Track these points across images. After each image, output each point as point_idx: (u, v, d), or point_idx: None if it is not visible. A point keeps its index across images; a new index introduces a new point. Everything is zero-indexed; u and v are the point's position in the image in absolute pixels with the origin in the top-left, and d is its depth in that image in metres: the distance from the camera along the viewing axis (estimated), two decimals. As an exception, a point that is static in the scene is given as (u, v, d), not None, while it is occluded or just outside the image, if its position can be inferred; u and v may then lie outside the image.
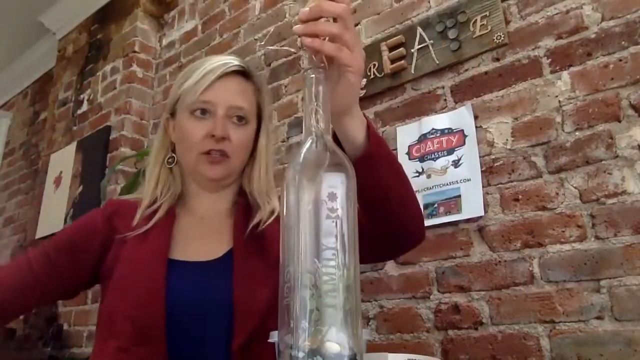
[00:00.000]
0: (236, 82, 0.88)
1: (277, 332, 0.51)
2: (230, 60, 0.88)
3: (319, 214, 0.50)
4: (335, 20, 0.59)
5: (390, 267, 1.49)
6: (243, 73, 0.89)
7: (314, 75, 0.58)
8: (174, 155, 0.92)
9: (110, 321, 0.78)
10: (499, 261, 1.30)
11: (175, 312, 0.76)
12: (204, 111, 0.86)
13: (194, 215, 0.90)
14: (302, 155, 0.55)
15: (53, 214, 2.61)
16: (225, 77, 0.86)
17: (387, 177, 0.72)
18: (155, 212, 0.87)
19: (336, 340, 0.47)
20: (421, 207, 0.83)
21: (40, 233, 2.67)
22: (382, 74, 1.62)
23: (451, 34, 1.50)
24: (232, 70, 0.87)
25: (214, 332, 0.77)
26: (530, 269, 1.24)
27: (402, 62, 1.60)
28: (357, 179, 0.71)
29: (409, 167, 1.50)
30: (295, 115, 1.90)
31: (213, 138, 0.84)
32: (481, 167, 1.38)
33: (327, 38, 0.59)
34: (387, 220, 0.75)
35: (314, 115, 0.56)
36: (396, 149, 1.55)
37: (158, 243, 0.83)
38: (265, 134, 0.93)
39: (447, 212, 1.40)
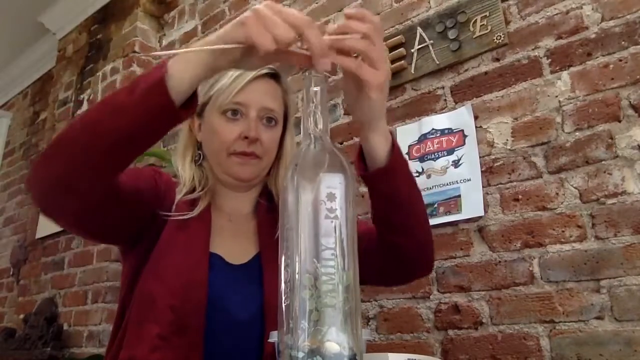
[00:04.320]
0: (267, 84, 0.90)
1: (277, 332, 0.51)
2: None
3: (318, 214, 0.50)
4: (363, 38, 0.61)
5: (390, 267, 1.49)
6: (272, 75, 0.91)
7: (313, 77, 0.58)
8: (199, 153, 0.93)
9: (150, 305, 0.78)
10: (499, 261, 1.30)
11: (213, 307, 0.78)
12: (235, 112, 0.87)
13: (223, 213, 0.92)
14: (301, 156, 0.55)
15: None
16: (257, 80, 0.88)
17: (402, 190, 0.75)
18: (194, 201, 0.87)
19: (336, 340, 0.47)
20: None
21: (40, 233, 2.67)
22: (382, 74, 1.62)
23: (451, 34, 1.50)
24: (263, 73, 0.89)
25: (247, 337, 0.80)
26: (530, 269, 1.24)
27: (402, 62, 1.60)
28: (374, 187, 0.75)
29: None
30: (296, 115, 1.90)
31: (245, 140, 0.86)
32: (481, 167, 1.38)
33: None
34: (398, 234, 0.78)
35: (312, 117, 0.57)
36: (396, 149, 1.55)
37: (200, 235, 0.84)
38: (290, 134, 0.96)
39: (447, 212, 1.40)
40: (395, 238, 0.79)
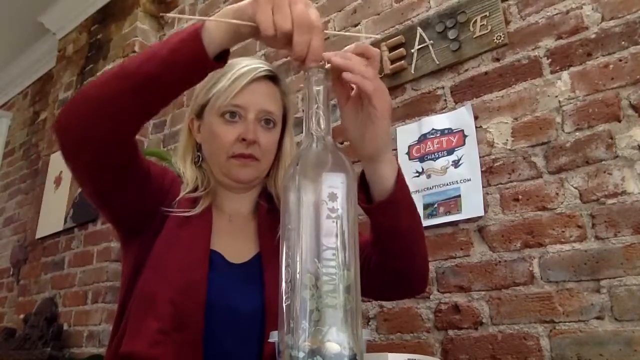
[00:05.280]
0: (266, 86, 0.90)
1: (277, 332, 0.51)
2: (259, 65, 0.90)
3: (320, 214, 0.50)
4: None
5: (390, 267, 1.49)
6: (271, 77, 0.91)
7: (315, 76, 0.58)
8: (199, 154, 0.94)
9: (151, 300, 0.78)
10: (499, 261, 1.30)
11: (213, 305, 0.78)
12: (233, 114, 0.87)
13: (224, 213, 0.92)
14: (303, 155, 0.55)
15: (53, 214, 2.60)
16: (256, 82, 0.88)
17: (403, 221, 0.77)
18: (196, 199, 0.88)
19: (336, 341, 0.47)
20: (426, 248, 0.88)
21: (40, 233, 2.67)
22: (382, 74, 1.62)
23: (451, 34, 1.50)
24: (261, 75, 0.89)
25: (247, 336, 0.80)
26: (530, 269, 1.24)
27: (402, 62, 1.60)
28: (376, 218, 0.76)
29: (409, 167, 1.50)
30: (296, 116, 1.90)
31: (244, 142, 0.86)
32: (481, 167, 1.38)
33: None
34: (397, 260, 0.80)
35: (314, 117, 0.57)
36: (396, 149, 1.55)
37: (201, 233, 0.85)
38: (289, 136, 0.96)
39: (447, 212, 1.40)
40: (395, 264, 0.80)
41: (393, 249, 0.79)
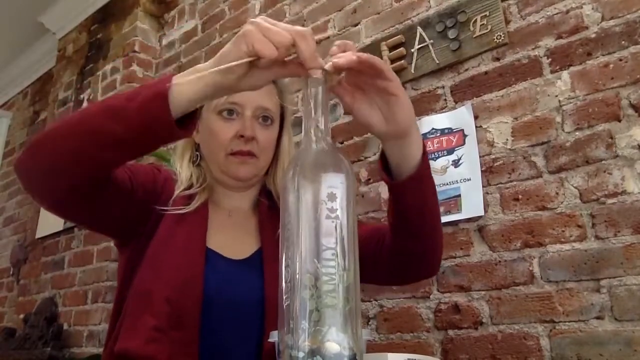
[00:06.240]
0: None
1: (277, 332, 0.51)
2: None
3: (319, 214, 0.50)
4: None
5: (390, 267, 1.49)
6: None
7: (312, 78, 0.58)
8: (197, 153, 0.93)
9: (147, 298, 0.78)
10: (499, 261, 1.30)
11: (210, 303, 0.78)
12: (230, 112, 0.87)
13: (223, 209, 0.92)
14: (302, 156, 0.55)
15: (53, 214, 2.60)
16: None
17: (428, 197, 0.76)
18: (191, 197, 0.88)
19: (336, 340, 0.47)
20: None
21: (40, 233, 2.67)
22: (382, 73, 1.62)
23: (451, 33, 1.50)
24: None
25: (245, 331, 0.80)
26: (530, 268, 1.24)
27: (402, 61, 1.60)
28: (403, 195, 0.73)
29: (409, 167, 1.50)
30: (296, 115, 1.90)
31: (242, 139, 0.86)
32: (481, 166, 1.38)
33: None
34: (418, 240, 0.79)
35: (313, 117, 0.57)
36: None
37: (196, 230, 0.85)
38: (288, 134, 0.96)
39: (447, 212, 1.40)
40: (417, 244, 0.79)
41: (418, 227, 0.77)
